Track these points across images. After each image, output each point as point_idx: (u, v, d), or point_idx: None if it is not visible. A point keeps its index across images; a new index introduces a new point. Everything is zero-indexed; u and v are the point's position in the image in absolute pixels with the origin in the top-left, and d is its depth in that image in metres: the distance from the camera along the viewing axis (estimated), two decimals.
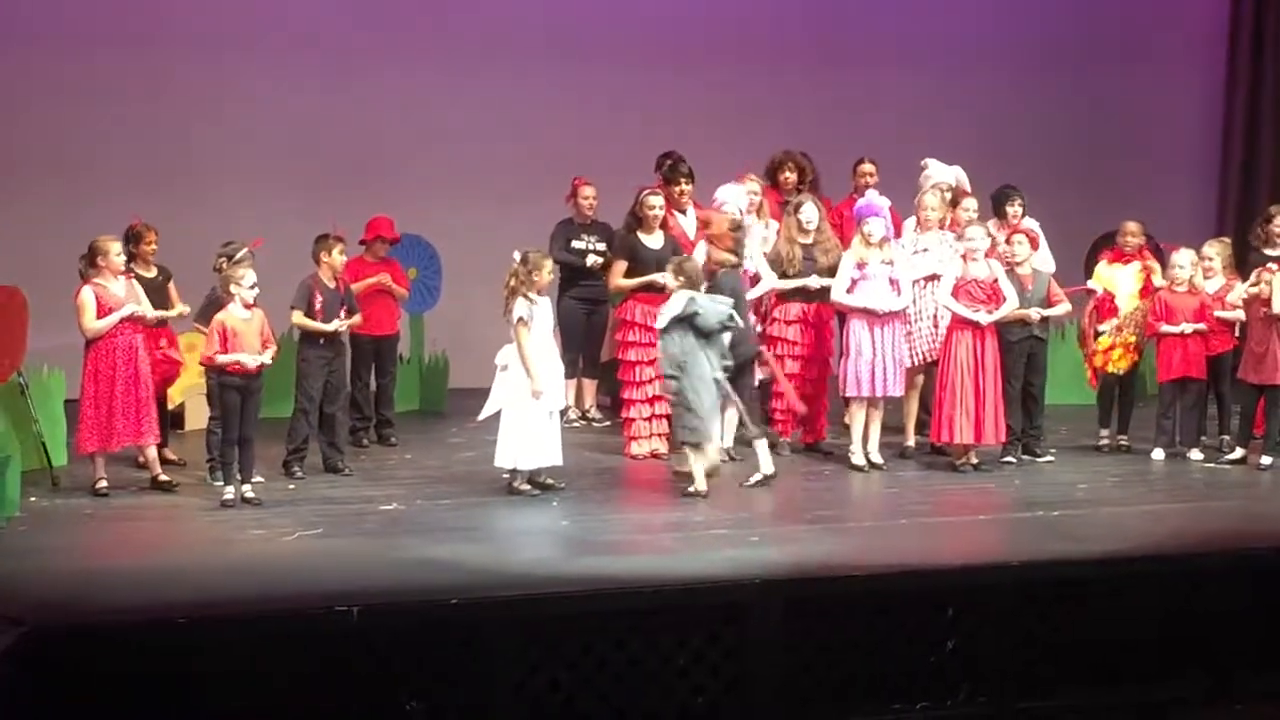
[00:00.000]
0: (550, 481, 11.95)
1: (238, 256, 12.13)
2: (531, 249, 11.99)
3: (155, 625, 8.76)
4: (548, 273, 11.91)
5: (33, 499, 11.46)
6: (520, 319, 11.69)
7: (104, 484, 11.80)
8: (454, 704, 9.02)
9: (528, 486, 11.83)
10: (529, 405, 11.68)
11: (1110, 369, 13.54)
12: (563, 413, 14.05)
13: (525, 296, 11.72)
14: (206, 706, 8.62)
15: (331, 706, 8.82)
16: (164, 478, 11.95)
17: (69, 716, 8.43)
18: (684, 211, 13.80)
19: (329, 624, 8.85)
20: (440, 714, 9.00)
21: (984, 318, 12.55)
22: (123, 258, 11.92)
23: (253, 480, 11.57)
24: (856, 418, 12.85)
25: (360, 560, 10.10)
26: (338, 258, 12.47)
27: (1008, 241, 13.17)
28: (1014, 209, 13.70)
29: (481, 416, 11.96)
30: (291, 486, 12.02)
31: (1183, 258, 13.33)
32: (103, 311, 11.73)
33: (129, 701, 8.51)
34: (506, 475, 11.86)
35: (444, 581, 9.56)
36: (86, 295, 11.75)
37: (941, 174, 13.83)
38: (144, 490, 11.89)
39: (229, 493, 11.45)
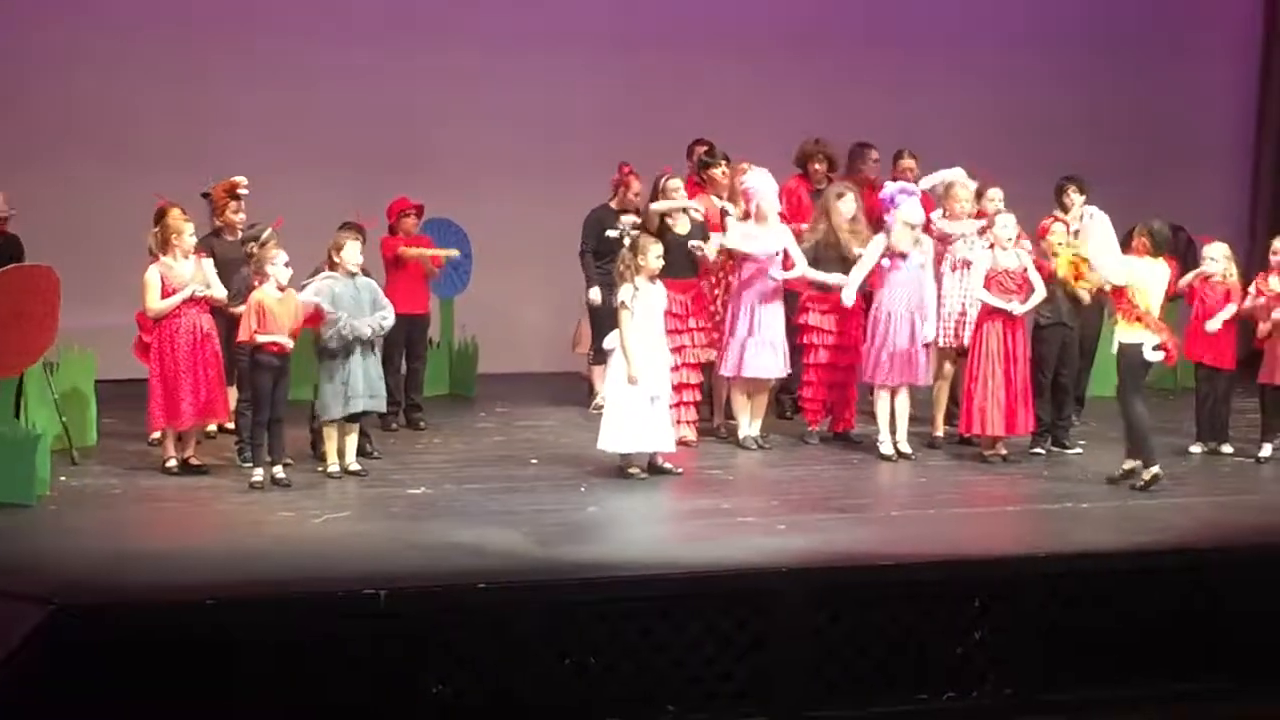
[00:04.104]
0: (667, 466, 12.02)
1: (264, 237, 12.14)
2: (641, 235, 12.21)
3: (183, 606, 8.81)
4: (655, 258, 11.89)
5: (62, 478, 11.51)
6: (622, 303, 11.78)
7: (174, 463, 11.86)
8: (480, 688, 9.06)
9: (636, 470, 11.88)
10: (630, 389, 11.73)
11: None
12: (592, 400, 14.13)
13: (631, 282, 11.80)
14: (234, 688, 8.67)
15: (358, 689, 8.86)
16: (195, 461, 11.96)
17: (96, 695, 8.49)
18: (721, 196, 13.78)
19: (357, 607, 8.90)
20: (466, 698, 9.04)
21: (1017, 308, 12.53)
22: (194, 239, 11.96)
23: (284, 462, 11.61)
24: (881, 405, 12.84)
25: (388, 544, 10.13)
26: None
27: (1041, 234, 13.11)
28: (1067, 199, 13.66)
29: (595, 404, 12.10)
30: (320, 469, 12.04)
31: (1215, 250, 13.27)
32: (167, 292, 11.76)
33: (156, 681, 8.55)
34: (620, 459, 11.92)
35: (472, 566, 9.60)
36: (152, 275, 11.77)
37: (940, 179, 13.65)
38: (173, 472, 11.90)
39: (258, 475, 11.48)
